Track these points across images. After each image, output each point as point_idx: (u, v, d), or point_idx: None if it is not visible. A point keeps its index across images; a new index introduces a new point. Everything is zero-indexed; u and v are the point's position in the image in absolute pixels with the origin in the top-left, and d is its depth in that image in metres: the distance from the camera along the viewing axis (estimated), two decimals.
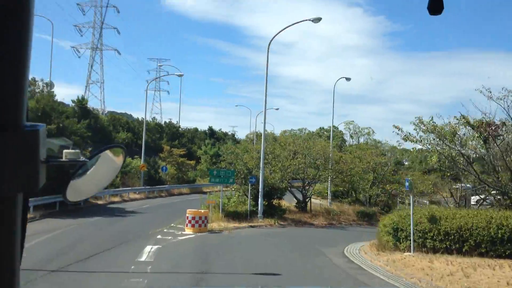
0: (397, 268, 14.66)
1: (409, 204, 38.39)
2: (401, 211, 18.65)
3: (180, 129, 79.27)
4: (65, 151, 1.37)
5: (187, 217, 22.89)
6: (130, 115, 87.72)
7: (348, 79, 41.85)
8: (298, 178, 34.29)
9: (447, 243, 16.08)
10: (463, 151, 19.36)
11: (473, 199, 55.17)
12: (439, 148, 19.58)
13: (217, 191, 33.37)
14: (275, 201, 30.15)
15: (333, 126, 41.07)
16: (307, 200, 32.63)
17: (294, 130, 60.83)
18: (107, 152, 1.60)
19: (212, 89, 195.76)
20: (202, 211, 23.55)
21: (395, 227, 17.27)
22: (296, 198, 33.09)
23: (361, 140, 47.35)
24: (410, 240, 16.56)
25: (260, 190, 28.06)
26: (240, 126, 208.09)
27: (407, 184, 16.90)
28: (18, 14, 0.97)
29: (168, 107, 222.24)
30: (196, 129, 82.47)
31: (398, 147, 35.49)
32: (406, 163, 51.97)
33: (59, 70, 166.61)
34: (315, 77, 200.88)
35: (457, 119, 19.03)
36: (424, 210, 17.57)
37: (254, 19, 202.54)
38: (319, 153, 31.02)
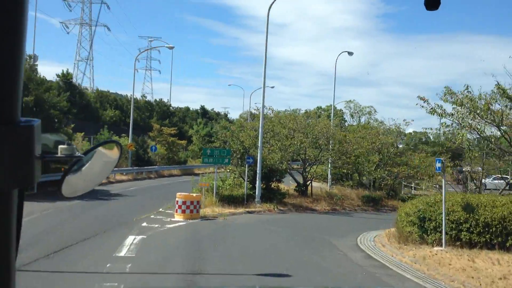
0: (429, 267, 12.10)
1: (420, 189, 36.22)
2: (428, 197, 15.99)
3: (171, 107, 76.27)
4: (60, 146, 1.37)
5: (177, 201, 20.22)
6: (120, 94, 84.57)
7: (350, 53, 39.20)
8: (298, 159, 31.67)
9: (487, 236, 13.50)
10: (503, 128, 16.70)
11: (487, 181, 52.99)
12: (472, 123, 16.83)
13: (210, 172, 30.67)
14: (273, 184, 27.57)
15: (333, 105, 38.34)
16: (307, 183, 30.06)
17: (288, 110, 57.83)
18: (103, 147, 1.61)
19: (204, 69, 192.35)
20: (194, 195, 20.87)
21: (421, 216, 14.68)
22: (296, 181, 30.51)
23: (362, 120, 44.73)
24: (440, 232, 13.99)
25: (257, 171, 25.45)
26: (233, 108, 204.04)
27: (438, 165, 14.25)
28: (11, 9, 0.95)
29: (159, 87, 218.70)
30: (187, 108, 79.41)
31: (404, 127, 32.99)
32: (400, 146, 49.48)
33: (50, 49, 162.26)
34: (308, 58, 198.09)
35: (492, 91, 16.39)
36: (456, 197, 14.93)
37: None
38: (321, 132, 28.33)
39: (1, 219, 1.02)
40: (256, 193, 25.38)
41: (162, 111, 71.29)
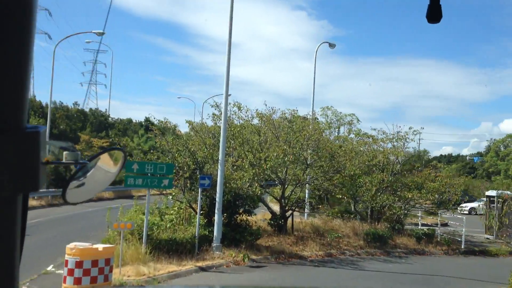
0: None
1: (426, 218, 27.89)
2: None
3: (110, 118, 65.60)
4: (65, 152, 1.39)
5: (67, 261, 10.58)
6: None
7: (332, 45, 30.96)
8: (273, 179, 22.51)
9: None
10: None
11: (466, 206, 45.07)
12: None
13: (154, 194, 20.93)
14: (241, 218, 18.23)
15: (313, 108, 29.43)
16: (287, 214, 20.85)
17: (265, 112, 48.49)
18: (107, 154, 1.63)
19: (153, 87, 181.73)
20: (101, 248, 11.09)
21: None
22: (270, 210, 21.23)
23: (342, 130, 36.18)
24: None
25: (217, 199, 16.15)
26: (183, 125, 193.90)
27: None
28: (20, 15, 0.96)
29: (106, 103, 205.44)
30: (129, 120, 68.48)
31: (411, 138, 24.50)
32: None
33: None
34: (259, 78, 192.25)
35: None
36: None
37: (199, 17, 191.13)
38: (311, 140, 19.30)
39: (6, 223, 1.03)
40: (215, 233, 16.02)
41: (98, 122, 60.61)
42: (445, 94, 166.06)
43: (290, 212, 20.93)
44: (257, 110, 19.71)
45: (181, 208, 17.11)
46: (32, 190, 1.04)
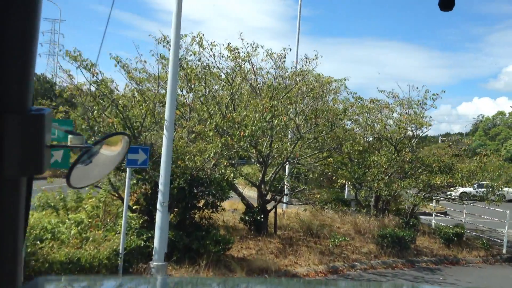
0: None
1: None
2: None
3: (56, 86, 57.39)
4: (70, 136, 1.44)
5: None
6: None
7: None
8: (248, 156, 16.06)
9: None
10: None
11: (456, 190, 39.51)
12: None
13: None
14: (201, 214, 11.73)
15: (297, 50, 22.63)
16: (269, 207, 14.45)
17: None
18: (112, 138, 1.63)
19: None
20: None
21: None
22: (245, 201, 14.71)
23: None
24: None
25: (161, 185, 9.59)
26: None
27: None
28: None
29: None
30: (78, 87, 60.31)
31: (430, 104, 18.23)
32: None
33: None
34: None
35: None
36: None
37: None
38: (311, 96, 12.82)
39: (10, 206, 1.02)
40: (155, 243, 9.49)
41: (44, 89, 52.58)
42: (407, 76, 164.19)
43: (275, 203, 14.51)
44: (229, 44, 12.79)
45: (100, 201, 10.32)
46: (36, 173, 1.03)
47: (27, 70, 0.97)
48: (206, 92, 12.02)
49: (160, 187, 9.69)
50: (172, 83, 9.91)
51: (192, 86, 11.84)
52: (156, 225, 9.61)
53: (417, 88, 17.95)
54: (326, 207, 17.31)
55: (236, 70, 12.63)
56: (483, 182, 17.77)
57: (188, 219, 11.30)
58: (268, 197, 14.59)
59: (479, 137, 60.87)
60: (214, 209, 11.88)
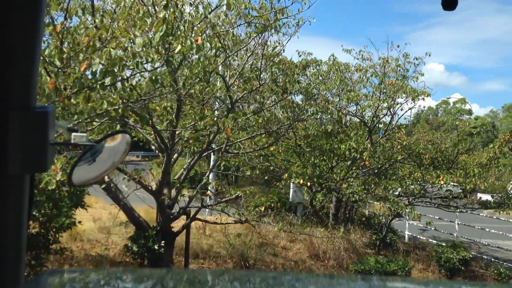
0: None
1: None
2: None
3: None
4: (73, 134, 1.49)
5: None
6: None
7: None
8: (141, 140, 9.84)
9: None
10: None
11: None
12: None
13: None
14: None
15: None
16: (174, 227, 8.42)
17: None
18: (114, 137, 1.63)
19: None
20: None
21: None
22: (133, 218, 8.48)
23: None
24: None
25: None
26: None
27: None
28: None
29: None
30: None
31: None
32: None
33: None
34: None
35: None
36: None
37: None
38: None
39: (14, 202, 1.02)
40: None
41: None
42: None
43: (185, 219, 8.52)
44: None
45: None
46: (39, 171, 1.03)
47: (30, 68, 0.97)
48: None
49: None
50: None
51: None
52: None
53: (398, 46, 12.34)
54: (265, 220, 11.46)
55: None
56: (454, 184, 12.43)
57: None
58: (176, 209, 8.54)
59: (422, 128, 57.61)
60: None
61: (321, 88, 10.12)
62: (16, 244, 1.06)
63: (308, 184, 9.75)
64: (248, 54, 8.25)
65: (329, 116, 10.28)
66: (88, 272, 2.85)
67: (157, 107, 6.75)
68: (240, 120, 8.48)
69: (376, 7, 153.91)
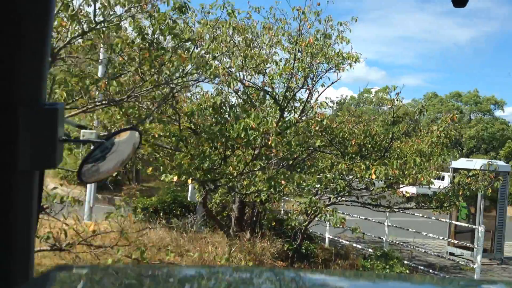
0: None
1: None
2: None
3: None
4: (82, 131, 1.80)
5: None
6: None
7: None
8: None
9: None
10: None
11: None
12: None
13: None
14: None
15: None
16: None
17: None
18: (124, 133, 1.59)
19: None
20: None
21: None
22: None
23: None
24: None
25: None
26: None
27: None
28: None
29: None
30: None
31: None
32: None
33: None
34: None
35: None
36: None
37: None
38: None
39: (23, 198, 1.00)
40: None
41: None
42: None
43: None
44: None
45: None
46: (48, 168, 1.02)
47: (40, 64, 0.96)
48: None
49: None
50: None
51: None
52: None
53: (319, 4, 9.57)
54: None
55: None
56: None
57: None
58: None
59: (344, 117, 56.24)
60: None
61: (208, 43, 7.13)
62: (25, 240, 1.04)
63: (191, 180, 6.85)
64: None
65: (220, 84, 7.47)
66: (97, 268, 2.63)
67: None
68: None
69: (296, 2, 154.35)
